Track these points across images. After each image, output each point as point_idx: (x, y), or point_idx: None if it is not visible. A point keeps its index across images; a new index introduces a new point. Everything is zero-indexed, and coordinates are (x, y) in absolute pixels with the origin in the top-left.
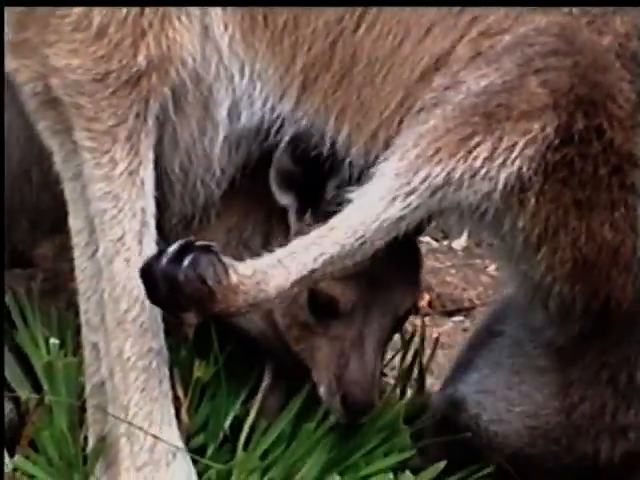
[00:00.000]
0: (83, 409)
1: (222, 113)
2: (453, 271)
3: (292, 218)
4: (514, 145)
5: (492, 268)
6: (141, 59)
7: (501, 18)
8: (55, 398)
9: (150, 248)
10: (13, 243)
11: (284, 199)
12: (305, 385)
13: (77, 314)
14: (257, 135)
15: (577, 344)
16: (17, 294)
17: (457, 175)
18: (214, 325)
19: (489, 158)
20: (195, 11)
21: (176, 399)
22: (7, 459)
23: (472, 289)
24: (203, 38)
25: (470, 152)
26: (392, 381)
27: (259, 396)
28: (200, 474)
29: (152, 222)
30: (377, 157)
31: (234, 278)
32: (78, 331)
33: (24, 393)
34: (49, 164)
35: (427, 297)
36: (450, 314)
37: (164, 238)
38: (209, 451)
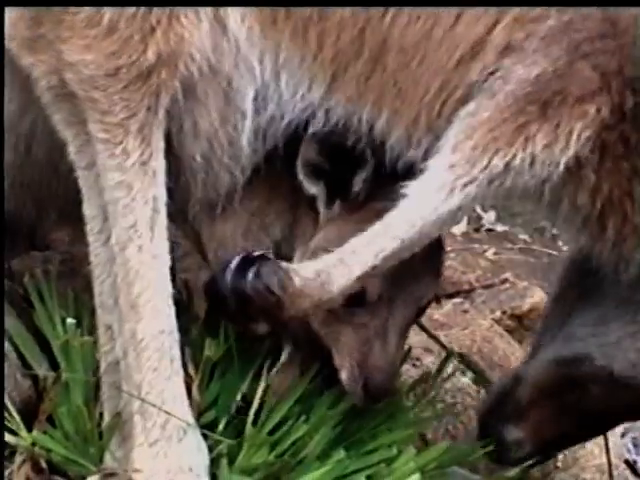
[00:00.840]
0: (98, 386)
1: (247, 103)
2: (453, 255)
3: (321, 207)
4: (571, 130)
5: (490, 252)
6: (150, 55)
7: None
8: (71, 375)
9: (161, 235)
10: (32, 227)
11: (312, 189)
12: (313, 365)
13: (92, 296)
14: (285, 124)
15: None
16: (35, 276)
17: (517, 163)
18: None
19: (548, 145)
20: (204, 7)
21: (188, 377)
22: (25, 433)
23: (471, 272)
24: (216, 33)
25: (528, 140)
26: None
27: (267, 374)
28: (211, 449)
29: (163, 210)
30: (419, 141)
31: (298, 283)
32: (93, 312)
33: (42, 371)
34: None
35: None
36: (450, 296)
37: (189, 225)
38: (219, 427)
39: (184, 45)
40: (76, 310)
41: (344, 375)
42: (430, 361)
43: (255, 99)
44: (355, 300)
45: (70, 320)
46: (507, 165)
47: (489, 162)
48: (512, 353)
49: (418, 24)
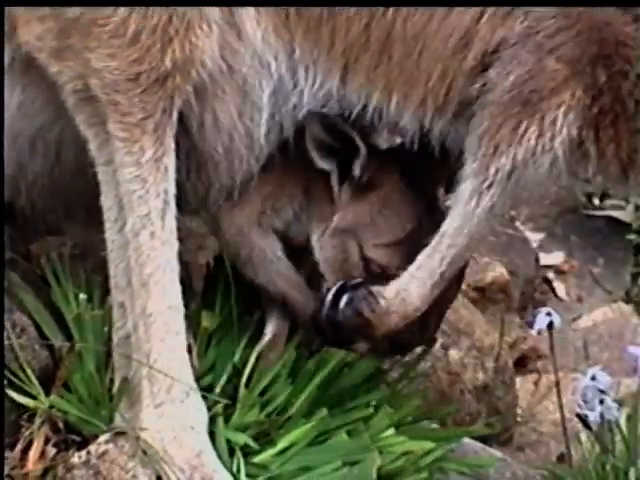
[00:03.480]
0: (108, 354)
1: (264, 99)
2: None
3: (334, 183)
4: (555, 118)
5: None
6: (167, 62)
7: None
8: (84, 345)
9: (171, 223)
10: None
11: (323, 164)
12: (298, 333)
13: (102, 275)
14: (303, 114)
15: None
16: (51, 258)
17: (520, 158)
18: (221, 278)
19: (539, 136)
20: (215, 18)
21: (187, 346)
22: (43, 398)
23: None
24: (230, 38)
25: (522, 136)
26: None
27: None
28: (208, 409)
29: (173, 202)
30: (433, 119)
31: (383, 303)
32: (103, 288)
33: (57, 341)
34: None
35: None
36: None
37: (208, 209)
38: (216, 389)
39: (197, 53)
40: (87, 287)
41: None
42: None
43: (274, 93)
44: (378, 275)
45: (82, 296)
46: (512, 162)
47: (498, 165)
48: (476, 321)
49: (416, 17)
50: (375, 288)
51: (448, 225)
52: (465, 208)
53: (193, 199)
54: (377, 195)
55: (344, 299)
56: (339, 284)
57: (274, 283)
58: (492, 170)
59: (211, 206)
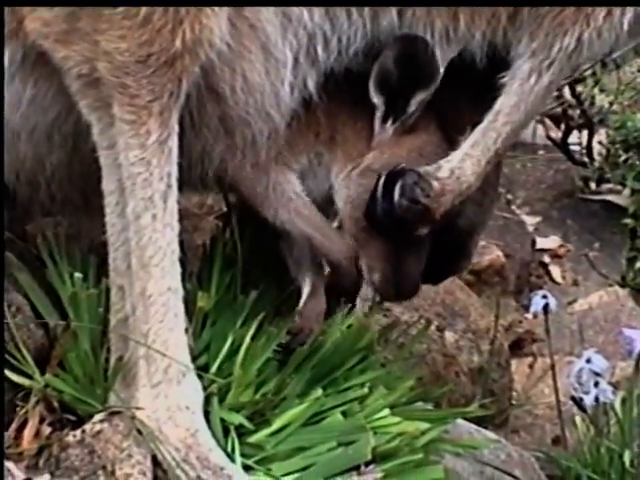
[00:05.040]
0: (104, 333)
1: (287, 53)
2: None
3: (377, 121)
4: None
5: None
6: (177, 43)
7: None
8: (79, 324)
9: (173, 206)
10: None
11: (376, 98)
12: (294, 314)
13: (97, 254)
14: (353, 52)
15: None
16: (47, 238)
17: (586, 37)
18: (217, 259)
19: (608, 15)
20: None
21: None
22: (38, 377)
23: None
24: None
25: (589, 16)
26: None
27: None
28: (204, 389)
29: (175, 184)
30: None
31: (437, 185)
32: (98, 268)
33: (53, 320)
34: None
35: None
36: None
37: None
38: (212, 369)
39: (206, 33)
40: (82, 267)
41: (377, 277)
42: (399, 311)
43: (299, 47)
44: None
45: (77, 275)
46: (578, 40)
47: (562, 43)
48: (471, 304)
49: None
50: (423, 170)
51: (504, 102)
52: (523, 86)
53: (219, 167)
54: (414, 141)
55: (397, 190)
56: (385, 174)
57: (295, 223)
58: (555, 49)
59: (239, 158)
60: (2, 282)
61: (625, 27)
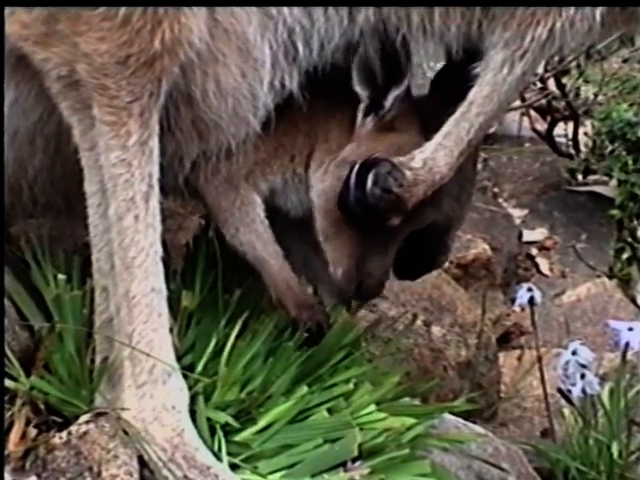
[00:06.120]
0: (89, 335)
1: (265, 51)
2: None
3: (359, 114)
4: None
5: None
6: (157, 43)
7: None
8: (64, 326)
9: (155, 207)
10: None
11: (359, 89)
12: (276, 311)
13: (81, 256)
14: (332, 48)
15: None
16: (30, 240)
17: (558, 27)
18: (201, 258)
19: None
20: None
21: None
22: (24, 379)
23: None
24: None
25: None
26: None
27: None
28: (189, 388)
29: (157, 185)
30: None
31: (410, 175)
32: (82, 269)
33: (37, 322)
34: None
35: None
36: None
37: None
38: (197, 368)
39: (185, 32)
40: (66, 268)
41: (340, 271)
42: (385, 307)
43: (277, 45)
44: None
45: (61, 276)
46: (550, 31)
47: (534, 33)
48: (458, 298)
49: None
50: (397, 160)
51: (477, 93)
52: (496, 76)
53: (190, 172)
54: (395, 139)
55: (370, 179)
56: (359, 163)
57: (253, 246)
58: (527, 39)
59: (215, 162)
60: (2, 282)
61: (597, 17)
